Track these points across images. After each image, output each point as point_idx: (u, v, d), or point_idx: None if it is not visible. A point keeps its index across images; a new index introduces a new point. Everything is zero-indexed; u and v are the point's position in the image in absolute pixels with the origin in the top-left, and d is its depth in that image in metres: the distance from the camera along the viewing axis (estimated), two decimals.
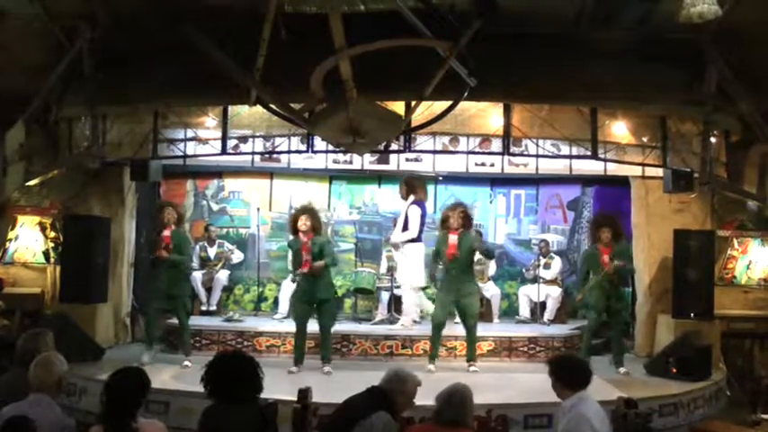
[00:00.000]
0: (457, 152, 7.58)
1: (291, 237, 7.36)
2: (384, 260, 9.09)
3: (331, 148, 7.25)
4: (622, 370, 7.16)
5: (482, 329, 7.65)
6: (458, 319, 7.75)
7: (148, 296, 7.64)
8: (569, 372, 3.77)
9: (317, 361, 7.02)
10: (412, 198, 8.28)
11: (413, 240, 8.14)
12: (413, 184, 8.37)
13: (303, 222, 7.09)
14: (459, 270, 7.17)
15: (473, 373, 7.00)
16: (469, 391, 3.61)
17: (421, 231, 8.15)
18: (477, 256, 7.65)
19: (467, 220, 7.31)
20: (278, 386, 5.43)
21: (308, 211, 7.23)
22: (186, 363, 7.07)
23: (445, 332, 7.36)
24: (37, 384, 3.48)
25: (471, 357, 7.21)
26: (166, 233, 7.23)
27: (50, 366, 3.54)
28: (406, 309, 8.25)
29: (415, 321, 8.65)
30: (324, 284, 7.10)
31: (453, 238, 7.15)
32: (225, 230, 9.77)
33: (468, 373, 6.91)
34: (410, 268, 8.15)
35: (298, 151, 7.66)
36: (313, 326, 7.16)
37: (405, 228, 8.15)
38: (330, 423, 3.98)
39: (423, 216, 8.18)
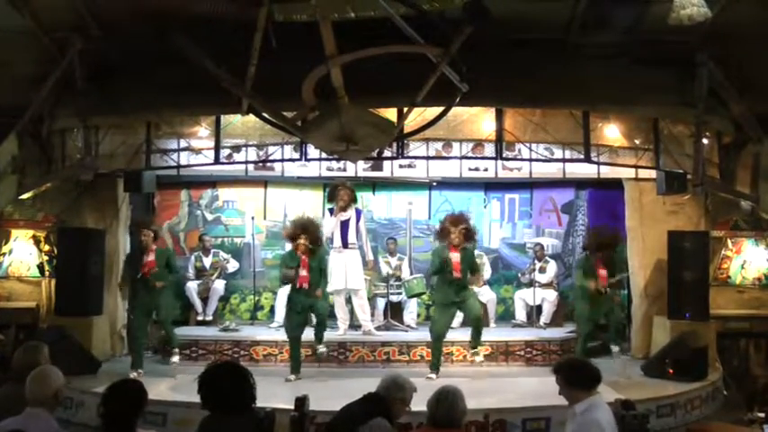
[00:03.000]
0: (450, 157, 7.59)
1: (288, 248, 7.35)
2: (382, 266, 9.08)
3: (324, 155, 7.25)
4: (616, 348, 7.36)
5: None
6: (454, 324, 7.75)
7: (133, 313, 7.63)
8: (579, 372, 3.66)
9: (314, 369, 7.01)
10: (353, 206, 8.33)
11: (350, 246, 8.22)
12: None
13: (302, 242, 7.08)
14: (461, 283, 7.17)
15: (477, 363, 7.22)
16: (459, 392, 3.61)
17: None
18: None
19: (468, 236, 7.28)
20: (275, 395, 5.44)
21: (307, 229, 7.18)
22: (175, 359, 7.21)
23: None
24: (33, 398, 3.45)
25: (477, 345, 7.26)
26: (150, 258, 7.21)
27: (47, 380, 3.51)
28: (340, 315, 8.18)
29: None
30: (319, 301, 7.19)
31: (456, 256, 7.10)
32: (220, 240, 9.74)
33: (466, 378, 6.85)
34: (353, 273, 8.14)
35: (291, 159, 7.66)
36: (307, 334, 7.16)
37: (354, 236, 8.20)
38: (328, 431, 3.97)
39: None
